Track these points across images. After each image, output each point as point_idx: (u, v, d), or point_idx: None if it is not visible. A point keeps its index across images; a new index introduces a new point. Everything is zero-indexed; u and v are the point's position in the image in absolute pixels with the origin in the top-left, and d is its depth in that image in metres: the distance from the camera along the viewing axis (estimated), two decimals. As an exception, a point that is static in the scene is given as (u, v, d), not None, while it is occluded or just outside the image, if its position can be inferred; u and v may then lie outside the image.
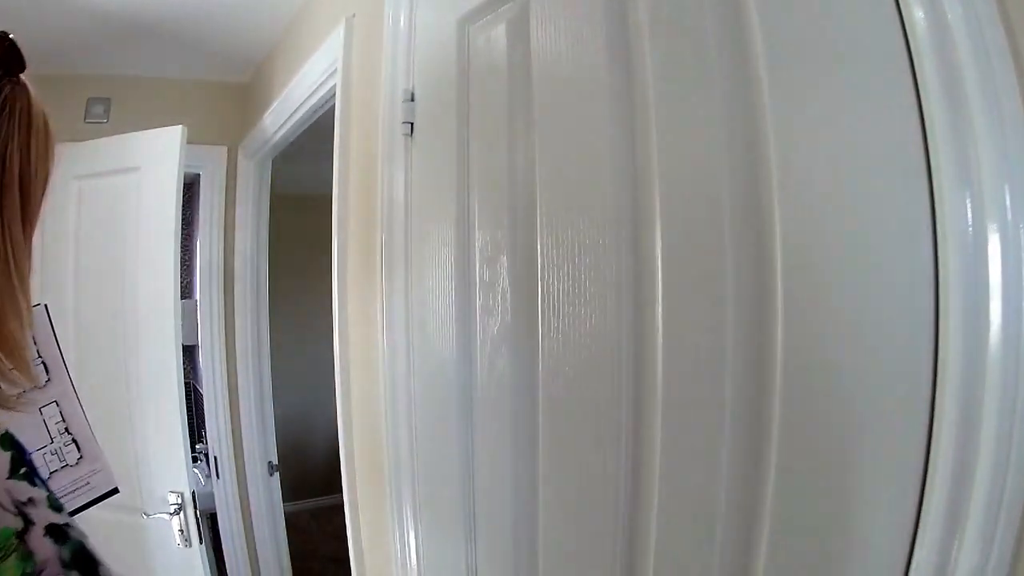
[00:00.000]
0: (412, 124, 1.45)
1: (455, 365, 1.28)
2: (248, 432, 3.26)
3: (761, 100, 0.82)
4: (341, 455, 1.84)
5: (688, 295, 0.89)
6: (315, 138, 2.75)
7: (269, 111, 2.83)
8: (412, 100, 1.46)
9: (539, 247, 1.07)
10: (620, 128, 0.98)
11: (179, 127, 2.56)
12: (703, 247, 0.88)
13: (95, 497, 1.08)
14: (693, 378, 0.89)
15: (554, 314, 1.04)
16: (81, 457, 1.06)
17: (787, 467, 0.80)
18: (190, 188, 3.49)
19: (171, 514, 2.48)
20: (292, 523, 3.56)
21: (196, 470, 4.15)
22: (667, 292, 0.90)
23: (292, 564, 3.46)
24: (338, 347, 1.79)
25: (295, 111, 2.56)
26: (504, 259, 1.15)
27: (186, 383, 4.35)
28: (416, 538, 1.46)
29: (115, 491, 1.12)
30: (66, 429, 1.05)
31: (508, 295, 1.14)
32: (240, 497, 3.33)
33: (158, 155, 2.59)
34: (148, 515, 2.53)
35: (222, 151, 3.35)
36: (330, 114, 2.00)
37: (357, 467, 1.79)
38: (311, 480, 5.53)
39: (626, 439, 0.96)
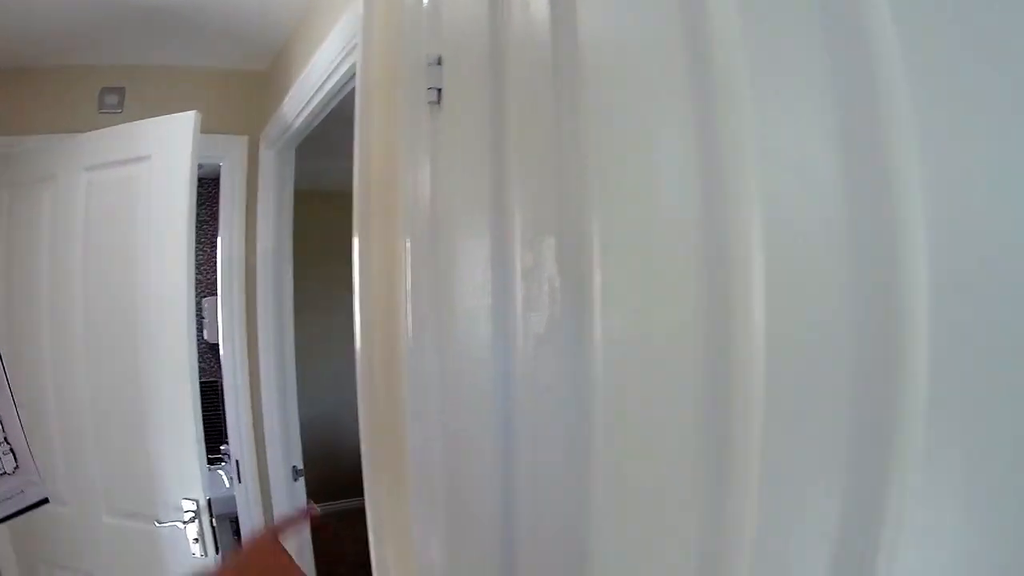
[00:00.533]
0: (439, 91, 1.27)
1: (490, 370, 1.08)
2: (271, 435, 3.10)
3: (890, 76, 0.63)
4: (364, 468, 1.67)
5: (796, 293, 0.70)
6: (342, 129, 2.57)
7: (288, 96, 2.68)
8: (439, 64, 1.29)
9: (595, 226, 0.87)
10: (696, 96, 0.78)
11: (192, 112, 2.41)
12: (815, 241, 0.68)
13: (26, 505, 1.16)
14: (806, 394, 0.69)
15: (616, 307, 0.84)
16: (17, 467, 1.13)
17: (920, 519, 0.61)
18: (214, 184, 3.36)
19: (185, 522, 2.33)
20: (318, 526, 3.40)
21: (221, 472, 4.03)
22: (771, 285, 0.70)
23: (317, 569, 3.30)
24: (360, 350, 1.62)
25: (315, 93, 2.41)
26: (551, 240, 0.95)
27: (212, 381, 4.27)
28: (446, 563, 1.28)
29: (46, 501, 1.21)
30: (5, 438, 1.06)
31: (556, 284, 0.94)
32: (263, 503, 3.18)
33: (170, 142, 2.44)
34: (161, 523, 2.38)
35: (243, 141, 3.22)
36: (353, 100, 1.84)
37: (381, 478, 1.62)
38: (339, 481, 5.39)
39: (709, 466, 0.77)
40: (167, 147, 2.45)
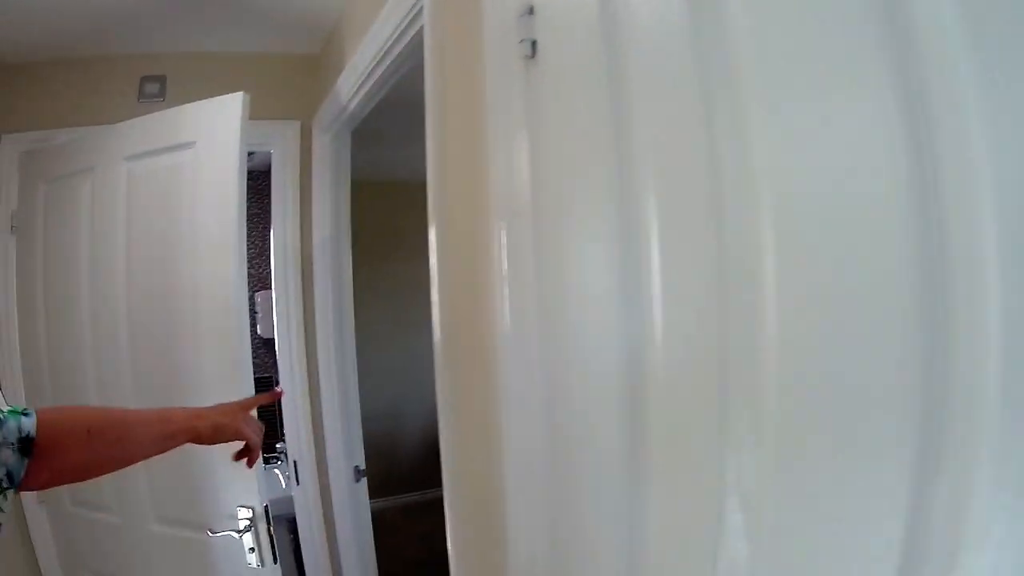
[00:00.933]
0: (534, 43, 1.07)
1: (614, 364, 0.89)
2: (332, 435, 2.92)
3: None
4: (444, 464, 1.48)
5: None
6: (396, 115, 2.50)
7: (344, 74, 2.49)
8: (531, 14, 1.09)
9: (767, 204, 0.66)
10: (896, 48, 0.58)
11: (239, 94, 2.24)
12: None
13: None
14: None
15: (799, 309, 0.64)
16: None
17: None
18: (264, 177, 3.25)
19: (240, 532, 2.16)
20: (378, 521, 3.21)
21: (277, 471, 3.91)
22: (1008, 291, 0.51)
23: (378, 564, 3.12)
24: (440, 340, 1.44)
25: (374, 67, 2.21)
26: (703, 222, 0.74)
27: (266, 377, 4.14)
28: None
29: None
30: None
31: (712, 275, 0.72)
32: (323, 505, 3.02)
33: (216, 127, 2.27)
34: (214, 533, 2.22)
35: (294, 126, 3.04)
36: (415, 84, 1.65)
37: (465, 472, 1.46)
38: (401, 475, 5.26)
39: (915, 501, 0.57)
40: (213, 132, 2.28)
